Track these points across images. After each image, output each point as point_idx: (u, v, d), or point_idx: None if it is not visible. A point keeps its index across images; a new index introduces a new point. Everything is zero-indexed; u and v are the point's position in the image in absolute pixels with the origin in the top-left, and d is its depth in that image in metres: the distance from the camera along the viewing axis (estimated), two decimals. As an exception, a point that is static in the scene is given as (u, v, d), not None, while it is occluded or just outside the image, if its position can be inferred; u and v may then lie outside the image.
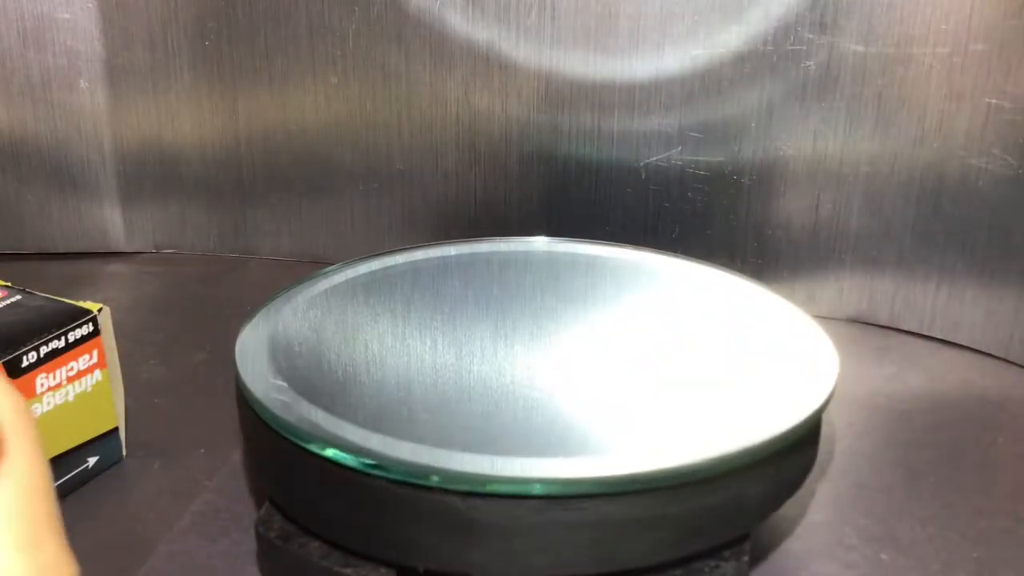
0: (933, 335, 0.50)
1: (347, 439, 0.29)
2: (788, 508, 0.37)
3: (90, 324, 0.37)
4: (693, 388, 0.34)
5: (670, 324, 0.39)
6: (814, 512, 0.37)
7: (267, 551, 0.32)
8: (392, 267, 0.42)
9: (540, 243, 0.46)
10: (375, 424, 0.30)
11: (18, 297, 0.38)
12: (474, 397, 0.33)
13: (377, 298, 0.40)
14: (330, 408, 0.31)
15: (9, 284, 0.39)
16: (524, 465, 0.28)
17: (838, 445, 0.41)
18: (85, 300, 0.38)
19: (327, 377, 0.34)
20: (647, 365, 0.35)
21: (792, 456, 0.32)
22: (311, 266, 0.58)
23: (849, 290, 0.52)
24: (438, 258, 0.43)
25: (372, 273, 0.42)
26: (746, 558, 0.31)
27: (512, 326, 0.38)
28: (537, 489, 0.28)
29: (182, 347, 0.49)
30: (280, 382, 0.33)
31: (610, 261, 0.44)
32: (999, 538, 0.36)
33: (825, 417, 0.43)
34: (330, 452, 0.29)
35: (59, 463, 0.37)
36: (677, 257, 0.44)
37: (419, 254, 0.44)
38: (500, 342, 0.36)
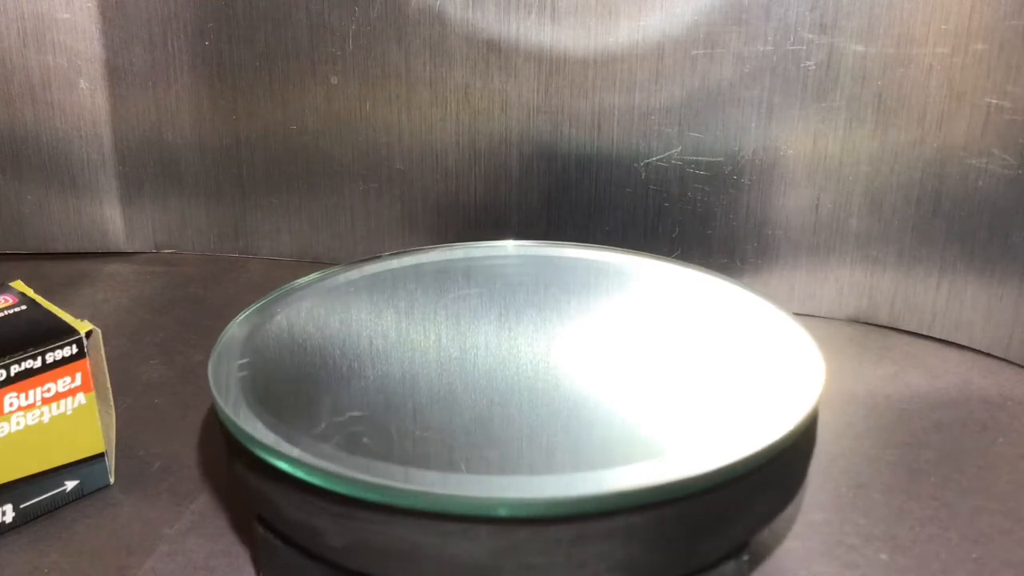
0: (933, 335, 0.50)
1: (313, 456, 0.29)
2: (789, 508, 0.37)
3: (73, 346, 0.36)
4: (670, 402, 0.33)
5: (647, 332, 0.38)
6: (814, 512, 0.37)
7: (267, 551, 0.32)
8: (379, 273, 0.42)
9: (509, 247, 0.45)
10: (348, 443, 0.30)
11: (23, 308, 0.38)
12: (446, 412, 0.32)
13: (350, 309, 0.39)
14: (300, 426, 0.31)
15: (25, 293, 0.39)
16: (498, 484, 0.28)
17: (838, 445, 0.41)
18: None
19: (297, 393, 0.33)
20: (622, 376, 0.35)
21: (775, 476, 0.31)
22: (311, 266, 0.58)
23: (849, 290, 0.52)
24: (414, 266, 0.43)
25: (350, 283, 0.41)
26: (746, 558, 0.31)
27: (486, 336, 0.37)
28: (505, 512, 0.27)
29: (182, 347, 0.49)
30: (250, 399, 0.32)
31: (584, 264, 0.43)
32: (999, 538, 0.36)
33: (820, 420, 0.43)
34: (299, 472, 0.29)
35: (30, 484, 0.36)
36: (653, 258, 0.43)
37: (410, 259, 0.43)
38: (475, 354, 0.36)
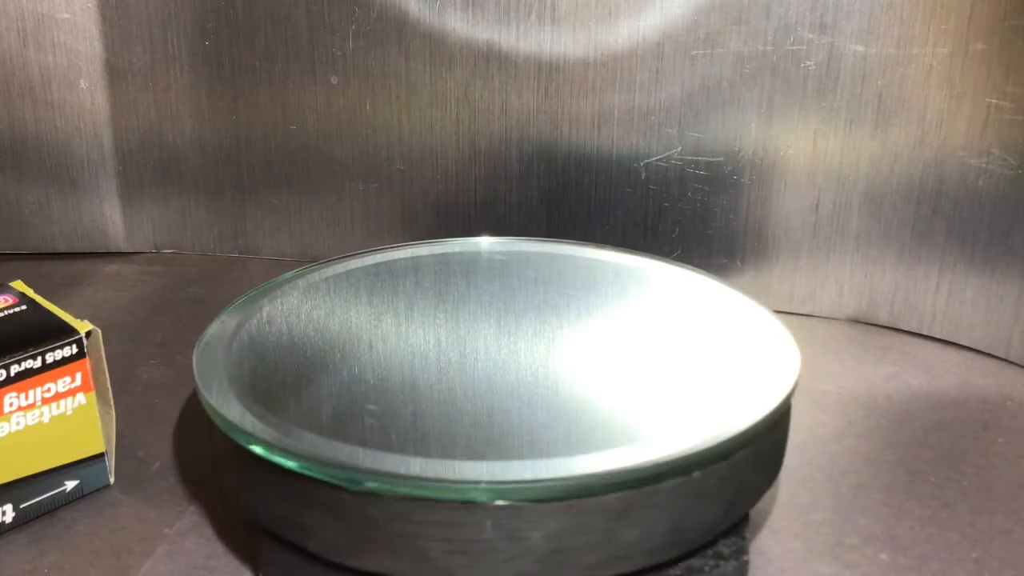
0: (933, 335, 0.50)
1: (298, 445, 0.29)
2: (789, 508, 0.37)
3: (73, 346, 0.36)
4: (646, 394, 0.34)
5: (628, 327, 0.38)
6: (814, 512, 0.37)
7: (267, 551, 0.32)
8: (358, 270, 0.42)
9: (485, 243, 0.45)
10: (330, 431, 0.30)
11: (23, 308, 0.38)
12: (426, 400, 0.32)
13: (332, 305, 0.39)
14: (285, 415, 0.31)
15: (25, 293, 0.39)
16: (492, 469, 0.28)
17: (838, 445, 0.41)
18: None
19: (280, 384, 0.33)
20: (601, 369, 0.35)
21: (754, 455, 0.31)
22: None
23: (849, 290, 0.52)
24: (393, 262, 0.43)
25: (327, 280, 0.41)
26: (746, 557, 0.32)
27: (466, 330, 0.37)
28: (487, 497, 0.27)
29: (182, 347, 0.49)
30: (238, 390, 0.32)
31: (564, 260, 0.43)
32: (999, 538, 0.36)
33: (821, 421, 0.43)
34: (280, 458, 0.29)
35: (30, 484, 0.36)
36: (636, 255, 0.43)
37: (389, 255, 0.44)
38: (453, 346, 0.36)
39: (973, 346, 0.49)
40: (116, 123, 0.59)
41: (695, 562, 0.31)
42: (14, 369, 0.35)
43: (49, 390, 0.36)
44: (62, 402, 0.36)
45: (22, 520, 0.36)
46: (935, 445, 0.41)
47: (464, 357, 0.35)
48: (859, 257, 0.51)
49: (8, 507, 0.35)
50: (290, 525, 0.30)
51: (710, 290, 0.40)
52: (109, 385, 0.38)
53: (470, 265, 0.43)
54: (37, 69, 0.57)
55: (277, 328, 0.37)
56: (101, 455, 0.38)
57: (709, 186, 0.52)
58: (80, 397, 0.36)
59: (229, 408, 0.31)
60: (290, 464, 0.29)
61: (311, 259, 0.59)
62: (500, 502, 0.27)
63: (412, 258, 0.44)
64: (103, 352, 0.37)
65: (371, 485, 0.28)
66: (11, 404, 0.35)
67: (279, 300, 0.39)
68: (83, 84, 0.57)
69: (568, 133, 0.53)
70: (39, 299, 0.38)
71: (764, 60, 0.49)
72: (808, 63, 0.48)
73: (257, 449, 0.30)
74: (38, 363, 0.35)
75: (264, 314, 0.38)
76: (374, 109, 0.56)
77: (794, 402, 0.34)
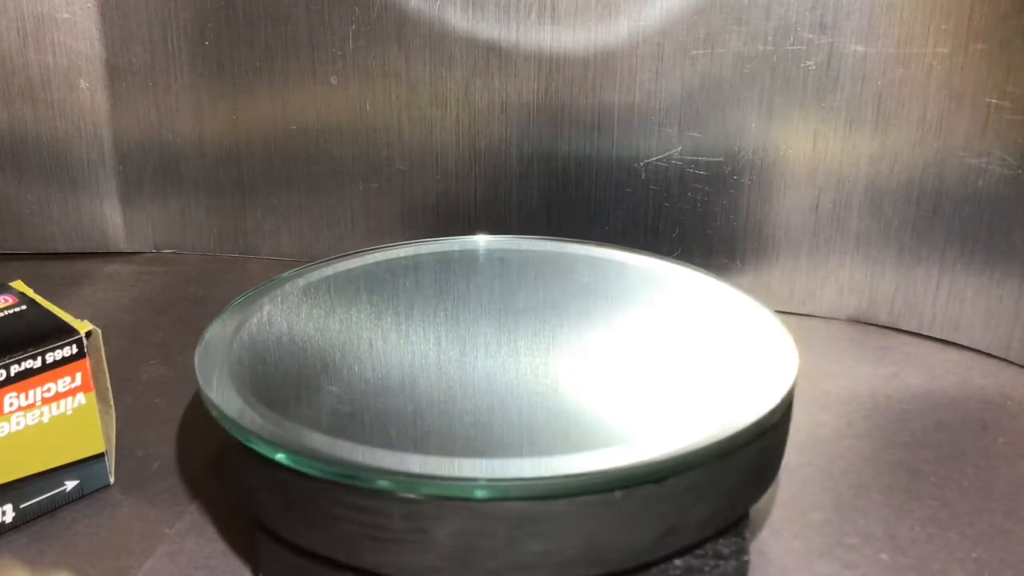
0: (933, 335, 0.50)
1: (301, 442, 0.29)
2: (789, 508, 0.37)
3: (73, 346, 0.36)
4: (642, 392, 0.34)
5: (626, 325, 0.38)
6: (814, 512, 0.37)
7: (267, 551, 0.32)
8: (354, 269, 0.42)
9: (485, 242, 0.45)
10: (328, 428, 0.30)
11: (23, 308, 0.38)
12: (425, 399, 0.32)
13: (332, 304, 0.40)
14: (284, 412, 0.31)
15: (25, 293, 0.39)
16: (490, 466, 0.28)
17: (838, 445, 0.41)
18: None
19: (281, 382, 0.34)
20: (598, 365, 0.35)
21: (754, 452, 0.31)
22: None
23: (849, 290, 0.52)
24: (393, 261, 0.43)
25: (330, 277, 0.41)
26: (746, 557, 0.31)
27: (465, 328, 0.37)
28: (483, 494, 0.27)
29: (182, 347, 0.49)
30: (240, 390, 0.32)
31: (564, 260, 0.43)
32: (999, 538, 0.36)
33: (821, 421, 0.43)
34: (280, 456, 0.29)
35: (30, 484, 0.36)
36: (636, 254, 0.44)
37: (383, 255, 0.44)
38: (452, 345, 0.36)
39: (973, 346, 0.49)
40: (116, 123, 0.59)
41: (695, 562, 0.31)
42: (14, 369, 0.35)
43: (49, 390, 0.35)
44: (62, 402, 0.36)
45: (22, 520, 0.36)
46: (935, 445, 0.41)
47: (464, 356, 0.35)
48: (859, 257, 0.51)
49: (8, 507, 0.35)
50: (295, 523, 0.30)
51: (710, 289, 0.40)
52: (109, 385, 0.38)
53: (470, 264, 0.43)
54: (37, 69, 0.57)
55: (277, 327, 0.37)
56: (101, 455, 0.38)
57: (709, 186, 0.52)
58: (80, 397, 0.36)
59: (231, 405, 0.31)
60: (293, 463, 0.29)
61: (311, 259, 0.59)
62: (496, 500, 0.27)
63: (412, 257, 0.44)
64: (103, 352, 0.37)
65: (381, 484, 0.28)
66: (11, 404, 0.35)
67: (279, 299, 0.39)
68: (83, 84, 0.57)
69: (568, 133, 0.53)
70: (39, 299, 0.38)
71: (764, 60, 0.49)
72: (808, 63, 0.48)
73: (259, 447, 0.30)
74: (38, 363, 0.35)
75: (265, 313, 0.38)
76: (374, 109, 0.56)
77: (794, 402, 0.34)
